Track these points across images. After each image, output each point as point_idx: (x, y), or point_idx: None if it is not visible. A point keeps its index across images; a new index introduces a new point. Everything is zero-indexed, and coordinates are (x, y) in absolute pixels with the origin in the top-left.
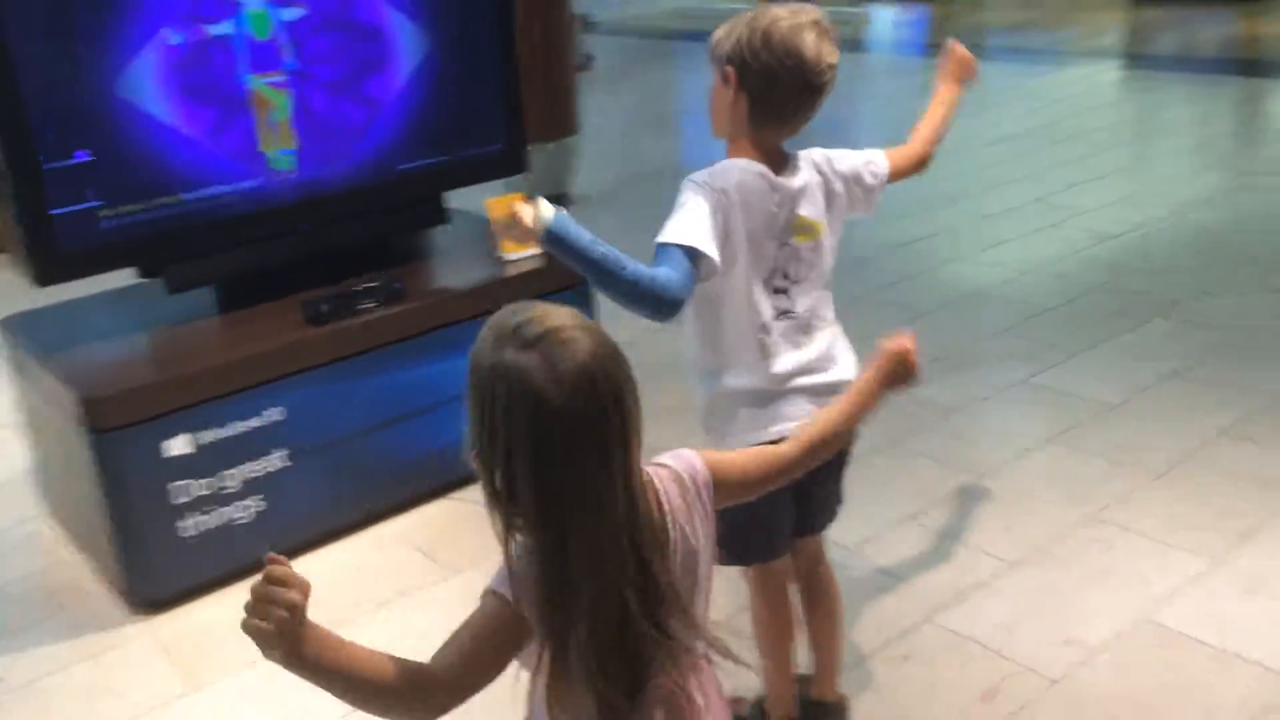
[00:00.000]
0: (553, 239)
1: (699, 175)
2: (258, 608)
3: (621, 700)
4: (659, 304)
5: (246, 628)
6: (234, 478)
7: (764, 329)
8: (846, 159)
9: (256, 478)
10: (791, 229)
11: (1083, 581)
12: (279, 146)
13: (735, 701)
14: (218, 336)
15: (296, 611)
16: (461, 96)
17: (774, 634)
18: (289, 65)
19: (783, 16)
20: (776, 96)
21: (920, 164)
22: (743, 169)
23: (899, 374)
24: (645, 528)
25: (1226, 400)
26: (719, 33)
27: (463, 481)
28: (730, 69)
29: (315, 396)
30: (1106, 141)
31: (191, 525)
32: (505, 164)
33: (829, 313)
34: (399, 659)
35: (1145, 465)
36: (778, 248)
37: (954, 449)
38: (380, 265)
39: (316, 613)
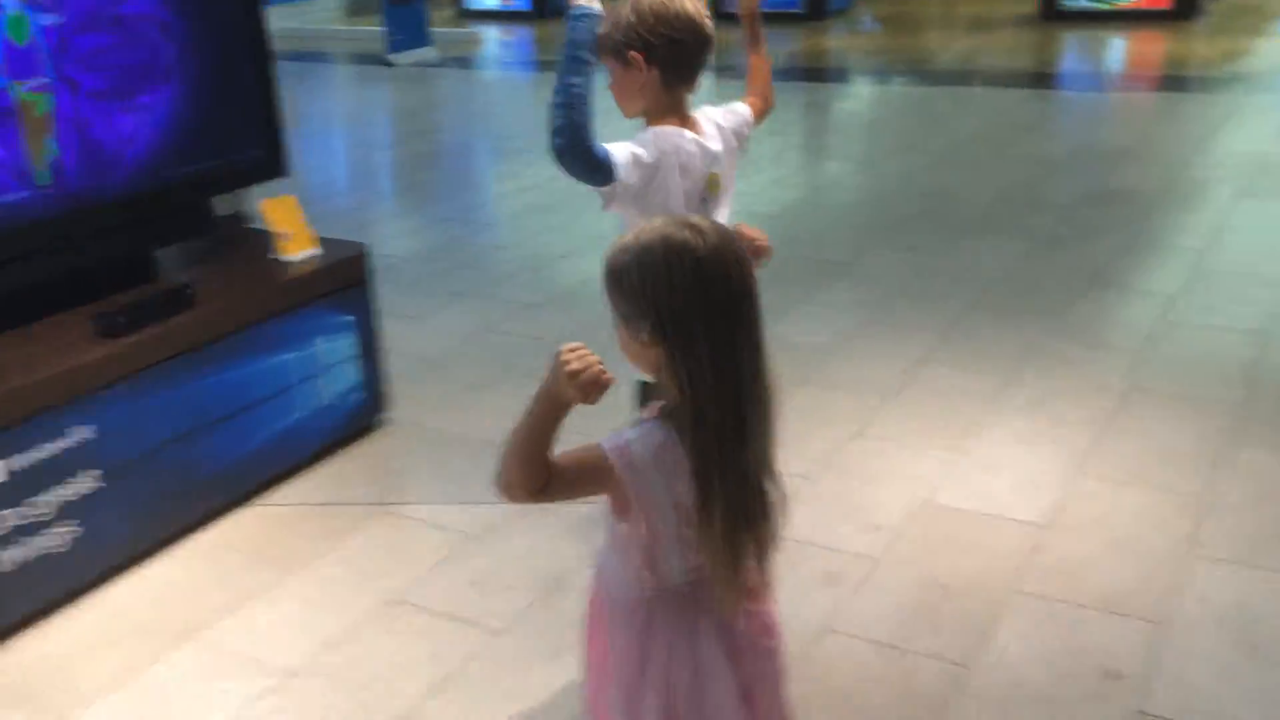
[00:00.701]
0: (581, 15)
1: (644, 135)
2: (583, 357)
3: (750, 550)
4: (577, 132)
5: (564, 362)
6: (47, 504)
7: None
8: (728, 118)
9: (70, 501)
10: (707, 185)
11: (869, 482)
12: (45, 156)
13: None
14: (6, 356)
15: (597, 387)
16: (221, 103)
17: None
18: (51, 72)
19: None
20: (683, 58)
21: (767, 109)
22: (679, 135)
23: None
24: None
25: (912, 338)
26: (603, 29)
27: (269, 485)
28: (634, 53)
29: (120, 412)
30: None
31: (7, 559)
32: (268, 168)
33: None
34: (563, 459)
35: (876, 391)
36: (700, 203)
37: None
38: (153, 275)
39: (166, 626)
